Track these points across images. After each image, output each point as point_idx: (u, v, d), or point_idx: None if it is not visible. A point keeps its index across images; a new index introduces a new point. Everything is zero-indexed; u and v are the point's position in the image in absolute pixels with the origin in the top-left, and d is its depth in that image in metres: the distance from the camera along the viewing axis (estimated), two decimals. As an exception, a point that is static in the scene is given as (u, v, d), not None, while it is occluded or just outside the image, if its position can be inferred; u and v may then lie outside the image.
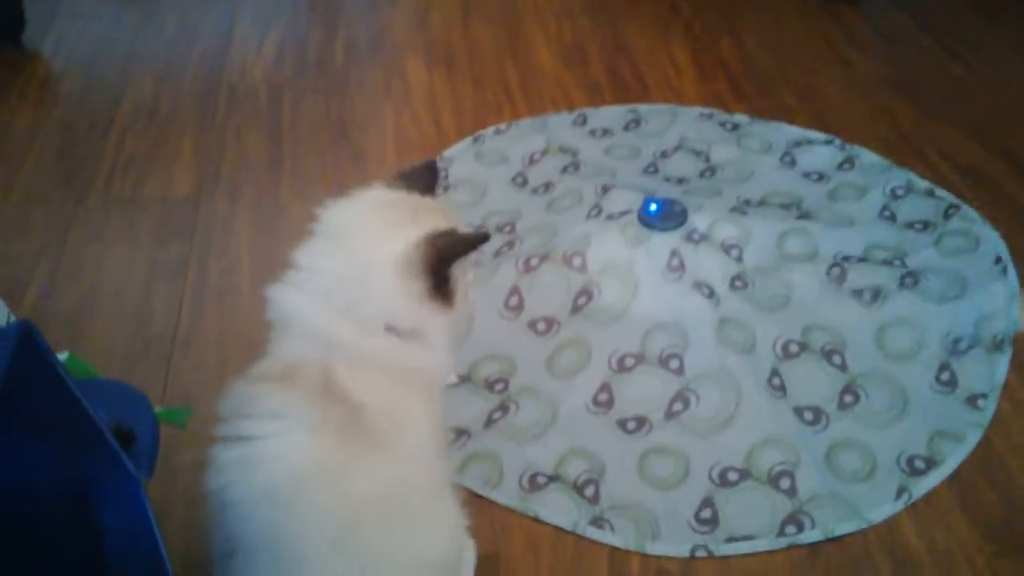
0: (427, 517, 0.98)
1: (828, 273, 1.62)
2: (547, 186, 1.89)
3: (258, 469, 0.89)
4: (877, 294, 1.57)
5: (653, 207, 1.66)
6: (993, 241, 1.68)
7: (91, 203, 1.90)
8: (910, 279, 1.59)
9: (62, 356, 1.15)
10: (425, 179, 1.07)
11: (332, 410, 0.92)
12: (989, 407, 1.43)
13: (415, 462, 0.97)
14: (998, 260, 1.64)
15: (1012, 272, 1.62)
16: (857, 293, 1.58)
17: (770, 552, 1.27)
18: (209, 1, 2.61)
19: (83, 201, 1.90)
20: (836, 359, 1.50)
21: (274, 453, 0.90)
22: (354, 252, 0.99)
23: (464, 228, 1.03)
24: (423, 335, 0.99)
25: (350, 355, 0.96)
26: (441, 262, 0.98)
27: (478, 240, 1.00)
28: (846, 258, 1.66)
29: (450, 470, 1.17)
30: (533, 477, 1.36)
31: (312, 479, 0.89)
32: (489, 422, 1.43)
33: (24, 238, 1.82)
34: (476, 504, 1.33)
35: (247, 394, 0.94)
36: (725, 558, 1.26)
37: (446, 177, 1.93)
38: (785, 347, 1.51)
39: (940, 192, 1.83)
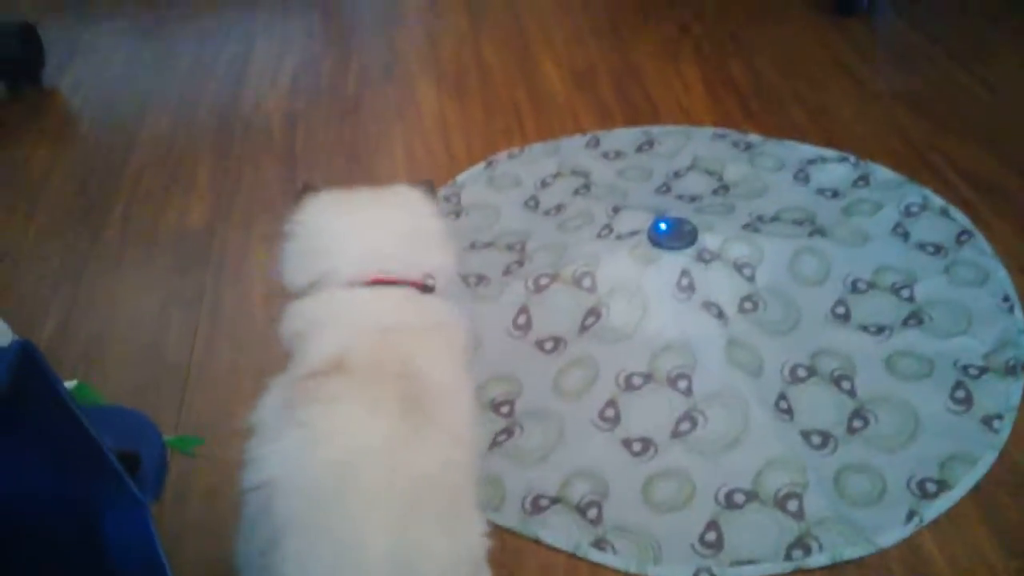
0: (470, 502, 0.97)
1: (834, 312, 1.60)
2: (559, 208, 1.90)
3: (315, 450, 0.88)
4: (882, 329, 1.56)
5: (663, 226, 1.66)
6: (1001, 278, 1.66)
7: (108, 236, 1.92)
8: (914, 320, 1.58)
9: (71, 384, 1.16)
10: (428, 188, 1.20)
11: (390, 387, 0.93)
12: (1005, 429, 1.40)
13: (460, 439, 0.98)
14: (1006, 299, 1.61)
15: (1019, 311, 1.59)
16: (863, 327, 1.57)
17: (789, 574, 1.25)
18: (223, 34, 2.65)
19: (100, 234, 1.93)
20: (845, 384, 1.48)
21: (331, 434, 0.89)
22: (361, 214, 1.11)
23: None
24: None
25: (399, 323, 1.02)
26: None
27: None
28: (855, 283, 1.65)
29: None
30: (536, 500, 1.35)
31: (373, 456, 0.88)
32: (494, 444, 1.43)
33: (42, 271, 1.85)
34: (489, 528, 1.32)
35: (297, 387, 0.94)
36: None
37: (458, 202, 1.94)
38: (793, 371, 1.50)
39: (954, 213, 1.81)
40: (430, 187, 1.20)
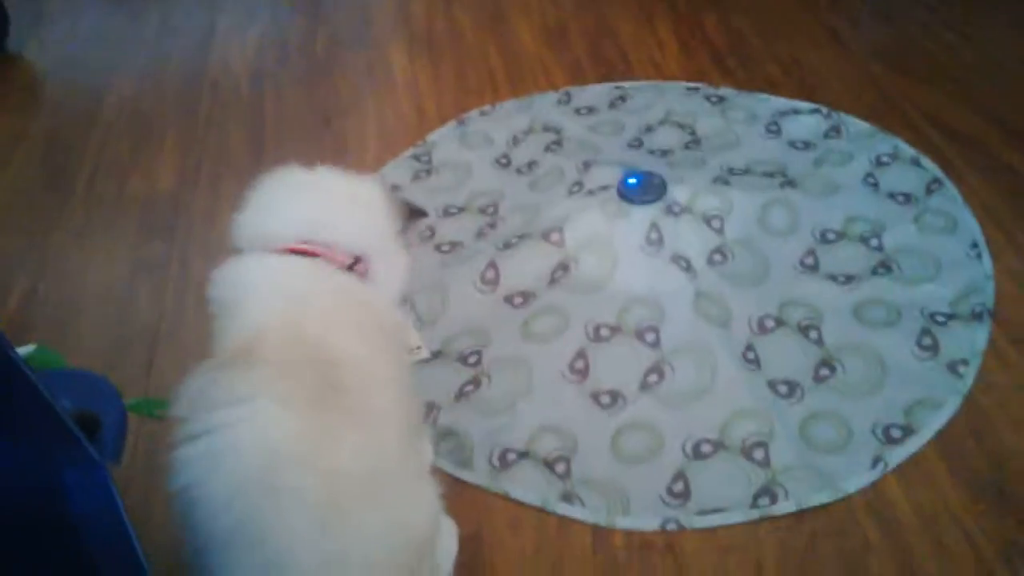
0: (406, 485, 0.95)
1: (802, 263, 1.60)
2: (530, 165, 1.88)
3: (228, 459, 0.85)
4: (850, 279, 1.56)
5: (632, 180, 1.65)
6: (970, 226, 1.66)
7: (74, 203, 1.91)
8: (882, 269, 1.58)
9: (29, 348, 1.15)
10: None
11: (305, 376, 0.90)
12: (970, 374, 1.41)
13: (388, 424, 0.95)
14: (974, 245, 1.61)
15: (987, 258, 1.59)
16: (832, 277, 1.57)
17: (756, 521, 1.25)
18: (189, 2, 2.61)
19: (67, 200, 1.91)
20: (813, 334, 1.48)
21: (242, 440, 0.86)
22: (316, 194, 1.09)
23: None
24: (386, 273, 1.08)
25: (314, 303, 0.98)
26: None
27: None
28: (824, 233, 1.64)
29: (420, 431, 1.16)
30: (503, 454, 1.35)
31: (289, 461, 0.85)
32: (460, 395, 1.43)
33: (8, 239, 1.83)
34: (455, 484, 1.33)
35: (204, 385, 0.90)
36: (702, 530, 1.25)
37: (429, 160, 1.93)
38: (760, 322, 1.50)
39: (925, 162, 1.80)
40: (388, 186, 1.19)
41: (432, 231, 1.74)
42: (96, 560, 0.99)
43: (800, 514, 1.26)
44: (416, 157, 1.94)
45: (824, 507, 1.26)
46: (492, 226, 1.73)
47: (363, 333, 1.00)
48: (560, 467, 1.33)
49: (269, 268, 1.02)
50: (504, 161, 1.92)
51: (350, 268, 1.06)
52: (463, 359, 1.48)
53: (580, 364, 1.46)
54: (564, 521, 1.28)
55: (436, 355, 1.50)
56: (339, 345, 0.94)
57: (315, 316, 0.97)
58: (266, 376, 0.90)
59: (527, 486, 1.31)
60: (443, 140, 1.99)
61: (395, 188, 1.82)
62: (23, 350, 1.15)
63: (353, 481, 0.87)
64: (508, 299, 1.57)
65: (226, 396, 0.89)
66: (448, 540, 1.16)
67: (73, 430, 0.94)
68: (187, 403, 0.90)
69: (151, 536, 1.29)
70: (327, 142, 2.01)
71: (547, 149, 1.92)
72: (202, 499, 0.85)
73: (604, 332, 1.50)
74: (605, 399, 1.41)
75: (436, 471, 1.32)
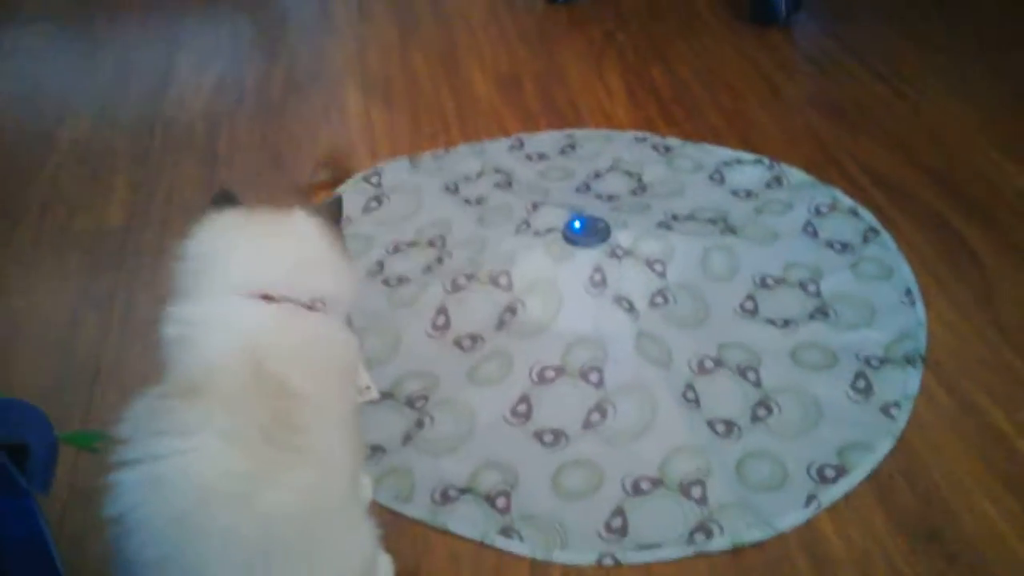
0: (345, 527, 0.95)
1: (742, 307, 1.64)
2: (479, 200, 1.91)
3: (162, 491, 0.84)
4: (788, 323, 1.60)
5: (577, 224, 1.69)
6: (905, 274, 1.71)
7: (21, 236, 1.89)
8: (819, 314, 1.62)
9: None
10: (332, 212, 1.16)
11: (254, 413, 0.89)
12: (902, 416, 1.44)
13: (335, 465, 0.95)
14: (908, 292, 1.67)
15: (920, 306, 1.64)
16: (770, 321, 1.61)
17: (691, 557, 1.27)
18: (150, 37, 2.63)
19: (12, 235, 1.90)
20: (751, 375, 1.51)
21: (180, 472, 0.85)
22: (255, 231, 1.08)
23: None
24: (340, 304, 1.10)
25: (269, 342, 0.98)
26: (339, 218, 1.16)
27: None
28: (764, 279, 1.69)
29: (360, 470, 1.15)
30: (445, 491, 1.35)
31: (224, 500, 0.84)
32: (406, 439, 1.43)
33: (-48, 271, 1.81)
34: (395, 519, 1.33)
35: (153, 411, 0.90)
36: (638, 565, 1.26)
37: (379, 185, 1.95)
38: (700, 363, 1.53)
39: (862, 212, 1.86)
40: (337, 205, 1.18)
41: (381, 266, 1.76)
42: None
43: (735, 551, 1.28)
44: (367, 179, 1.97)
45: (758, 544, 1.28)
46: (440, 260, 1.75)
47: (320, 373, 1.00)
48: (501, 501, 1.34)
49: (228, 307, 1.02)
50: (453, 188, 1.95)
51: (310, 307, 1.06)
52: (410, 403, 1.49)
53: (523, 408, 1.47)
54: (502, 556, 1.29)
55: (385, 397, 1.50)
56: (294, 384, 0.94)
57: (273, 354, 0.96)
58: (213, 410, 0.89)
59: (467, 521, 1.31)
60: (393, 170, 2.02)
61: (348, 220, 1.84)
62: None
63: (290, 524, 0.86)
64: (457, 342, 1.59)
65: (170, 425, 0.88)
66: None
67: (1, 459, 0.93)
68: (131, 426, 0.89)
69: (83, 568, 1.28)
70: (279, 179, 2.03)
71: (496, 186, 1.96)
72: (135, 528, 0.84)
73: (549, 374, 1.52)
74: (548, 438, 1.43)
75: (375, 506, 1.32)
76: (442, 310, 1.64)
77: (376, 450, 1.41)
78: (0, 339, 1.65)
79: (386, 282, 1.72)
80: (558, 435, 1.43)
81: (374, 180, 1.98)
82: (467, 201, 1.91)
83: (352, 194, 1.94)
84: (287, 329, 1.02)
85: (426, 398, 1.49)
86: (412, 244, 1.82)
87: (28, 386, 1.56)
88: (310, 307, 1.05)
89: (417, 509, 1.33)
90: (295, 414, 0.92)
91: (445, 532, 1.31)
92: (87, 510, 1.36)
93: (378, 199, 1.93)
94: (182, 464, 0.85)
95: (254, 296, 1.02)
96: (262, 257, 1.07)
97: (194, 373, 0.95)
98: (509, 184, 1.97)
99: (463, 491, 1.36)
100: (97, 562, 1.28)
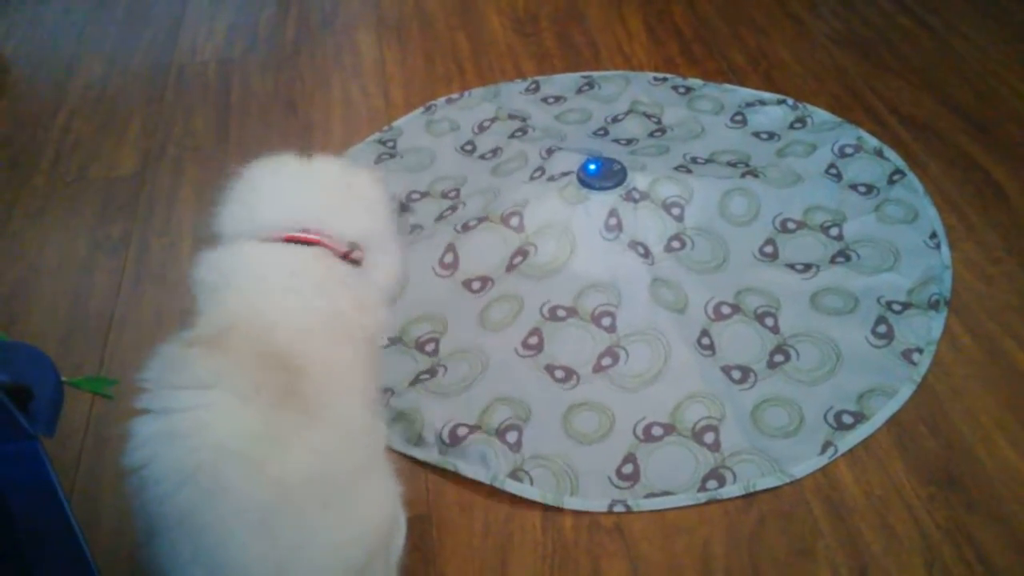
0: (362, 490, 0.94)
1: (761, 251, 1.60)
2: (495, 151, 1.88)
3: (179, 444, 0.84)
4: (809, 267, 1.56)
5: (592, 167, 1.65)
6: (930, 216, 1.66)
7: (35, 184, 1.89)
8: (841, 258, 1.58)
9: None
10: None
11: (267, 377, 0.88)
12: (924, 362, 1.41)
13: (352, 429, 0.94)
14: (933, 235, 1.62)
15: (945, 248, 1.59)
16: (790, 265, 1.57)
17: (703, 504, 1.26)
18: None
19: (27, 182, 1.89)
20: (769, 321, 1.48)
21: (198, 427, 0.84)
22: (312, 182, 1.08)
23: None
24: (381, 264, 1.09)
25: (294, 298, 0.97)
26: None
27: None
28: (785, 222, 1.64)
29: (383, 433, 1.15)
30: (454, 429, 1.34)
31: (236, 459, 0.83)
32: (416, 381, 1.42)
33: (-34, 219, 1.81)
34: (407, 465, 1.32)
35: (174, 361, 0.89)
36: (649, 512, 1.25)
37: (393, 146, 1.92)
38: (717, 309, 1.50)
39: (888, 153, 1.80)
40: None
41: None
42: (26, 526, 0.98)
43: (748, 498, 1.26)
44: (382, 142, 1.93)
45: (773, 491, 1.27)
46: (453, 209, 1.72)
47: (339, 333, 0.99)
48: (511, 436, 1.32)
49: (257, 257, 1.01)
50: (469, 148, 1.91)
51: (345, 257, 1.05)
52: (420, 347, 1.48)
53: (534, 340, 1.46)
54: (514, 501, 1.28)
55: (394, 341, 1.49)
56: (313, 350, 0.93)
57: (292, 312, 0.96)
58: (230, 366, 0.88)
59: (477, 462, 1.30)
60: (409, 127, 1.98)
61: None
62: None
63: (302, 488, 0.85)
64: (467, 284, 1.57)
65: (188, 378, 0.87)
66: (397, 533, 1.15)
67: (3, 400, 0.93)
68: (154, 373, 0.89)
69: (99, 515, 1.29)
70: (292, 126, 2.00)
71: (512, 136, 1.91)
72: (152, 480, 0.84)
73: (560, 313, 1.49)
74: (559, 373, 1.41)
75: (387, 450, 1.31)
76: (450, 248, 1.61)
77: (384, 391, 1.40)
78: (15, 287, 1.66)
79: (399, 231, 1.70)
80: (569, 372, 1.41)
81: (389, 143, 1.93)
82: (482, 157, 1.87)
83: (365, 153, 1.91)
84: (307, 283, 1.00)
85: (436, 343, 1.48)
86: (425, 194, 1.79)
87: (43, 334, 1.57)
88: (348, 255, 1.04)
89: (426, 451, 1.33)
90: (303, 382, 0.90)
91: (456, 478, 1.31)
92: (100, 457, 1.37)
93: (391, 156, 1.89)
94: (200, 419, 0.85)
95: (291, 234, 1.01)
96: (300, 196, 1.07)
97: (220, 322, 0.94)
98: (524, 131, 1.92)
99: (472, 428, 1.34)
100: (110, 507, 1.29)
